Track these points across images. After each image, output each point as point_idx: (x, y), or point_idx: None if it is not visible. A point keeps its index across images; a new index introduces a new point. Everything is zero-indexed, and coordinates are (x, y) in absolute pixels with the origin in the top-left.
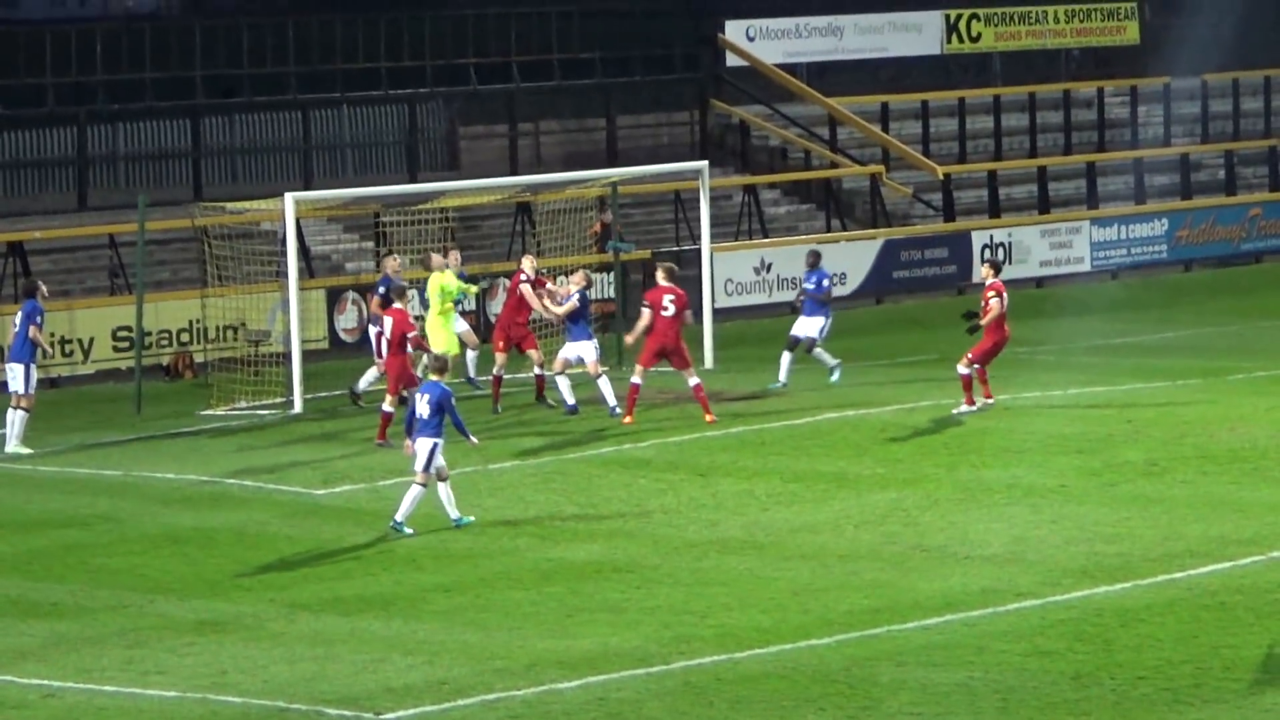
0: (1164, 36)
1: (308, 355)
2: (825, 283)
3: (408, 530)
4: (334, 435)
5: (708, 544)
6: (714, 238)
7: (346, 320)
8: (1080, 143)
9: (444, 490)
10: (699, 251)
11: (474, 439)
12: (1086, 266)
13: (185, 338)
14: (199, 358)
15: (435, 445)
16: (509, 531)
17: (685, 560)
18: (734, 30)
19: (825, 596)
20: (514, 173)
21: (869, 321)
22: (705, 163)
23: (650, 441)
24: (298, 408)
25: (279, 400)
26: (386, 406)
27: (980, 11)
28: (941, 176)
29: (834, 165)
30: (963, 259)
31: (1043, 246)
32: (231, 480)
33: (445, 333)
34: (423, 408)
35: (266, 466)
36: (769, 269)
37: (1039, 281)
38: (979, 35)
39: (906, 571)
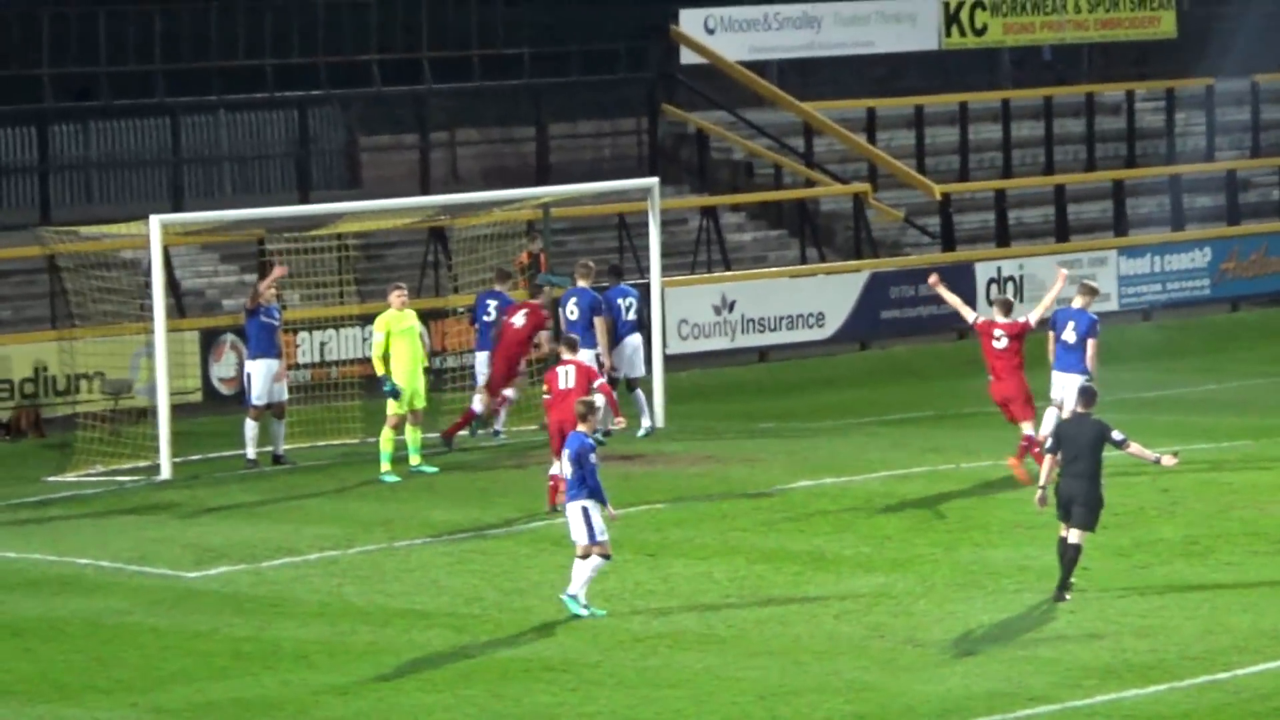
0: (1207, 29)
1: (177, 410)
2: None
3: (596, 611)
4: (208, 506)
5: (657, 638)
6: (666, 270)
7: (224, 368)
8: (1106, 156)
9: (583, 567)
10: (648, 286)
11: (612, 510)
12: (1113, 305)
13: (30, 389)
14: (46, 413)
15: (585, 510)
16: (419, 622)
17: (630, 657)
18: (690, 21)
19: (799, 701)
20: (425, 192)
21: (852, 370)
22: (655, 180)
23: None
24: (165, 473)
25: (143, 464)
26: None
27: None
28: (939, 197)
29: (810, 183)
30: (964, 295)
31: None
32: (85, 561)
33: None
34: (566, 465)
35: (127, 544)
36: (732, 308)
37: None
38: (984, 27)
39: (896, 671)
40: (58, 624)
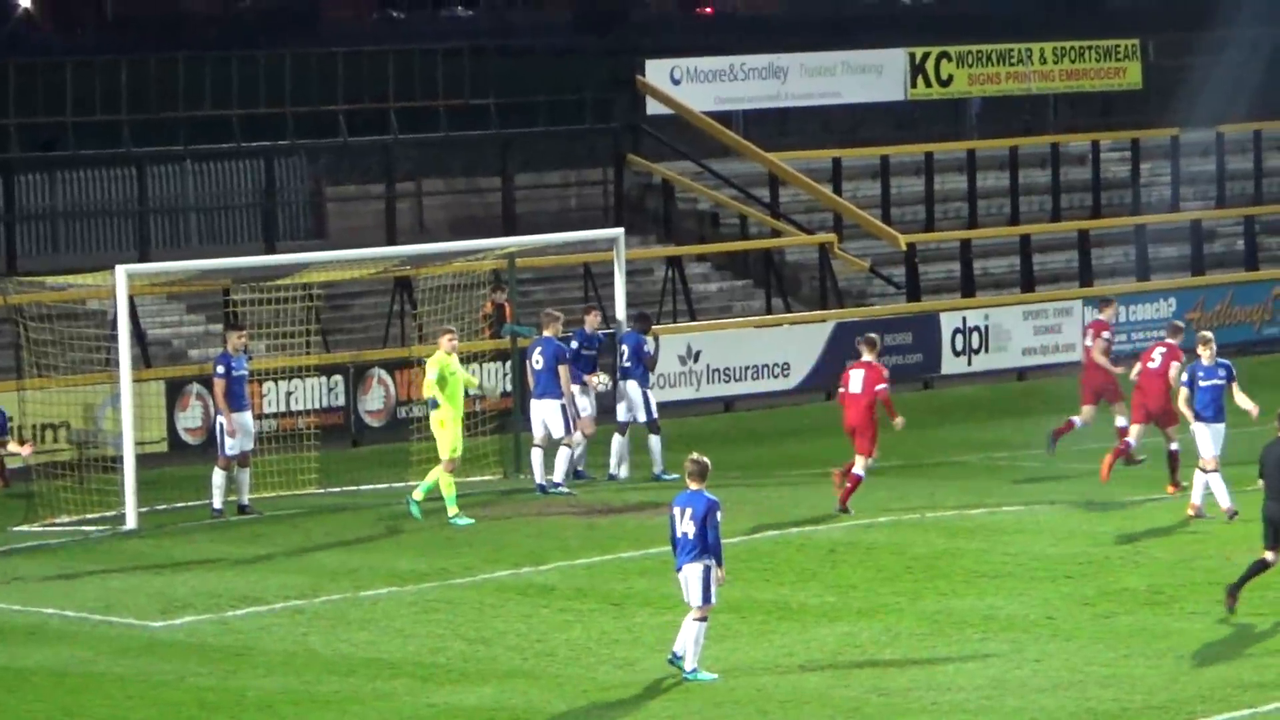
0: (1172, 80)
1: (143, 460)
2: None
3: (706, 675)
4: (174, 556)
5: (622, 687)
6: (630, 321)
7: (190, 418)
8: (1071, 207)
9: (692, 630)
10: (614, 335)
11: (722, 571)
12: (1078, 354)
13: None
14: (12, 464)
15: (708, 569)
16: (384, 672)
17: (595, 707)
18: (656, 72)
19: None
20: (391, 242)
21: (817, 420)
22: (621, 230)
23: (554, 564)
24: (131, 523)
25: (108, 514)
26: (859, 470)
27: (951, 50)
28: (904, 247)
29: (776, 234)
30: (930, 345)
31: (1026, 331)
32: (51, 610)
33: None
34: (685, 524)
35: (93, 594)
36: (697, 358)
37: (1021, 373)
38: (950, 78)
39: None
40: (23, 674)
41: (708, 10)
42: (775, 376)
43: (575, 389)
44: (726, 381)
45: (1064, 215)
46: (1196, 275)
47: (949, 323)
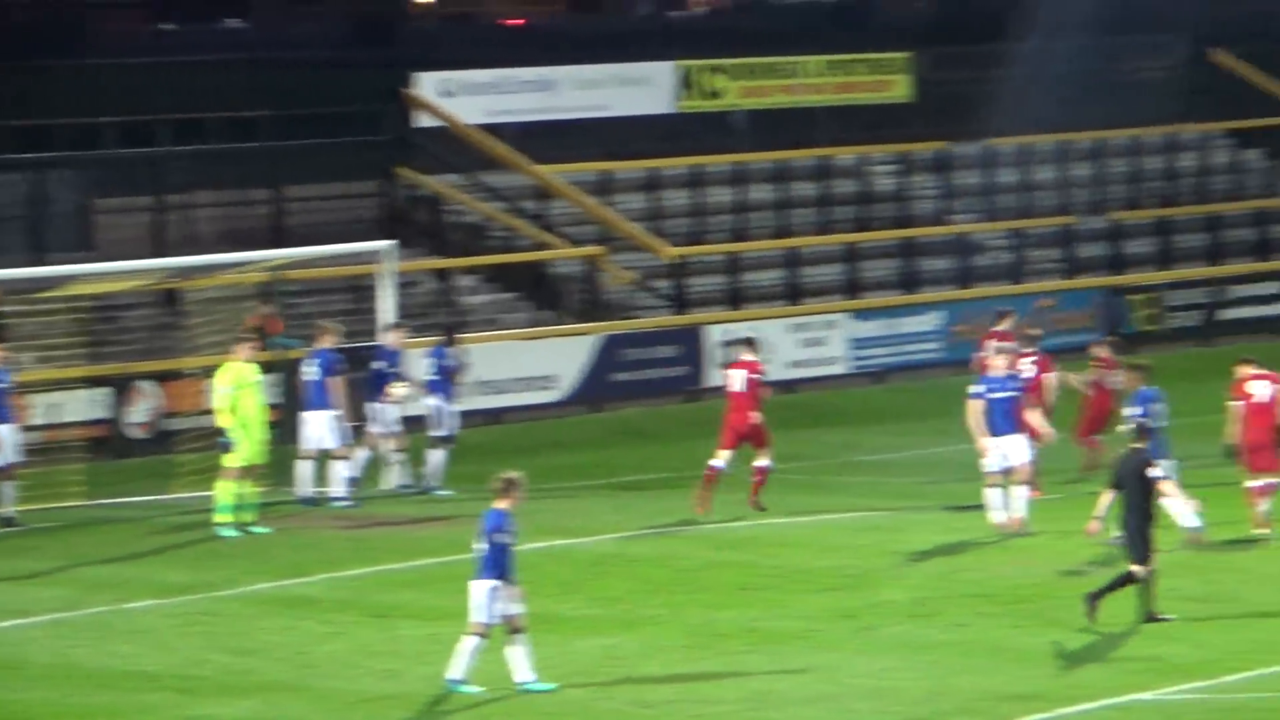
0: (941, 93)
1: None
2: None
3: (472, 689)
4: None
5: (385, 699)
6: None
7: None
8: (839, 219)
9: (517, 648)
10: (387, 349)
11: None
12: (842, 368)
13: None
14: None
15: (493, 589)
16: (146, 684)
17: (357, 719)
18: (426, 84)
19: None
20: (160, 254)
21: (584, 433)
22: (390, 242)
23: (318, 576)
24: None
25: None
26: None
27: (721, 62)
28: (672, 259)
29: (543, 246)
30: (695, 358)
31: (792, 343)
32: None
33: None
34: (480, 540)
35: None
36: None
37: (788, 385)
38: (719, 91)
39: None
40: None
41: (519, 20)
42: (542, 389)
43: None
44: (494, 394)
45: (832, 228)
46: (964, 288)
47: (715, 335)
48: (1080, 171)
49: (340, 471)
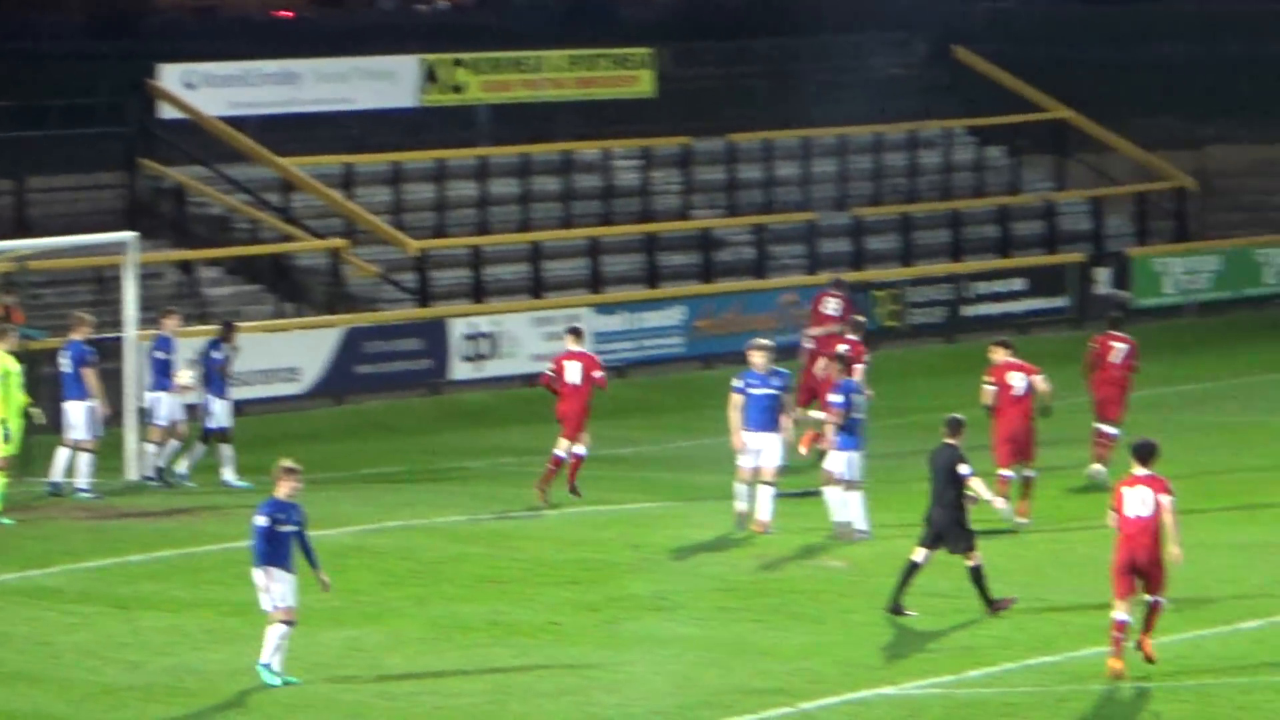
0: (684, 89)
1: None
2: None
3: (282, 680)
4: None
5: (128, 690)
6: (143, 323)
7: None
8: (582, 214)
9: (280, 633)
10: (120, 340)
11: (326, 577)
12: None
13: None
14: None
15: (276, 574)
16: None
17: (100, 710)
18: (169, 76)
19: None
20: None
21: (327, 425)
22: (132, 234)
23: (60, 567)
24: None
25: None
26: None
27: (464, 57)
28: (416, 253)
29: (287, 238)
30: (439, 351)
31: (535, 337)
32: None
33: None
34: (280, 527)
35: None
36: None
37: (530, 379)
38: (463, 85)
39: None
40: None
41: (286, 13)
42: (285, 381)
43: (164, 394)
44: (236, 386)
45: (575, 222)
46: (706, 283)
47: (458, 328)
48: (823, 168)
49: (86, 463)
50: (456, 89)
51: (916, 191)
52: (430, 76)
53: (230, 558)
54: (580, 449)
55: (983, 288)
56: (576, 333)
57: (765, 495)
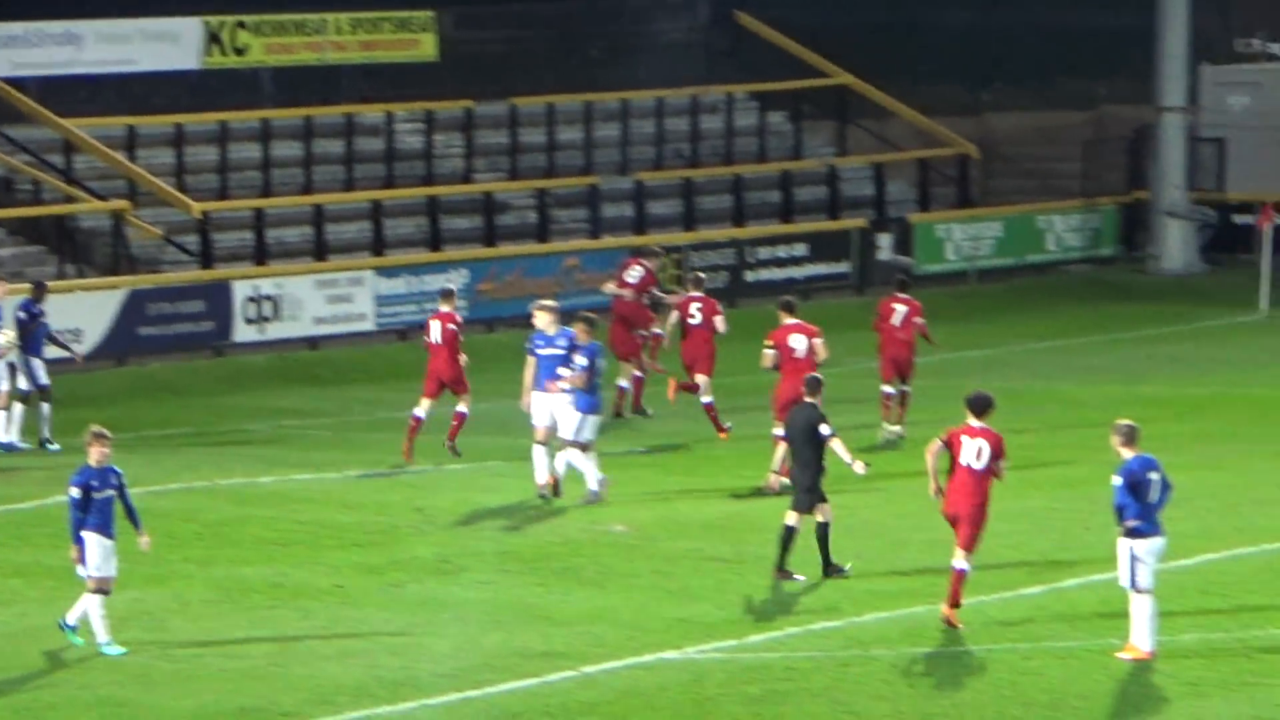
0: (467, 52)
1: None
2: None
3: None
4: None
5: None
6: None
7: None
8: (365, 177)
9: (94, 603)
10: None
11: (145, 537)
12: (370, 325)
13: None
14: None
15: (100, 543)
16: None
17: None
18: None
19: (52, 716)
20: None
21: (110, 387)
22: None
23: None
24: None
25: None
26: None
27: (247, 19)
28: (199, 215)
29: (69, 200)
30: (222, 313)
31: (318, 300)
32: None
33: None
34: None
35: None
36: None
37: (313, 342)
38: (246, 47)
39: (151, 686)
40: None
41: None
42: (69, 342)
43: None
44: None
45: (357, 185)
46: (489, 247)
47: (241, 291)
48: (605, 132)
49: None
50: (239, 51)
51: (699, 156)
52: (213, 38)
53: (14, 518)
54: (462, 407)
55: (765, 253)
56: (448, 295)
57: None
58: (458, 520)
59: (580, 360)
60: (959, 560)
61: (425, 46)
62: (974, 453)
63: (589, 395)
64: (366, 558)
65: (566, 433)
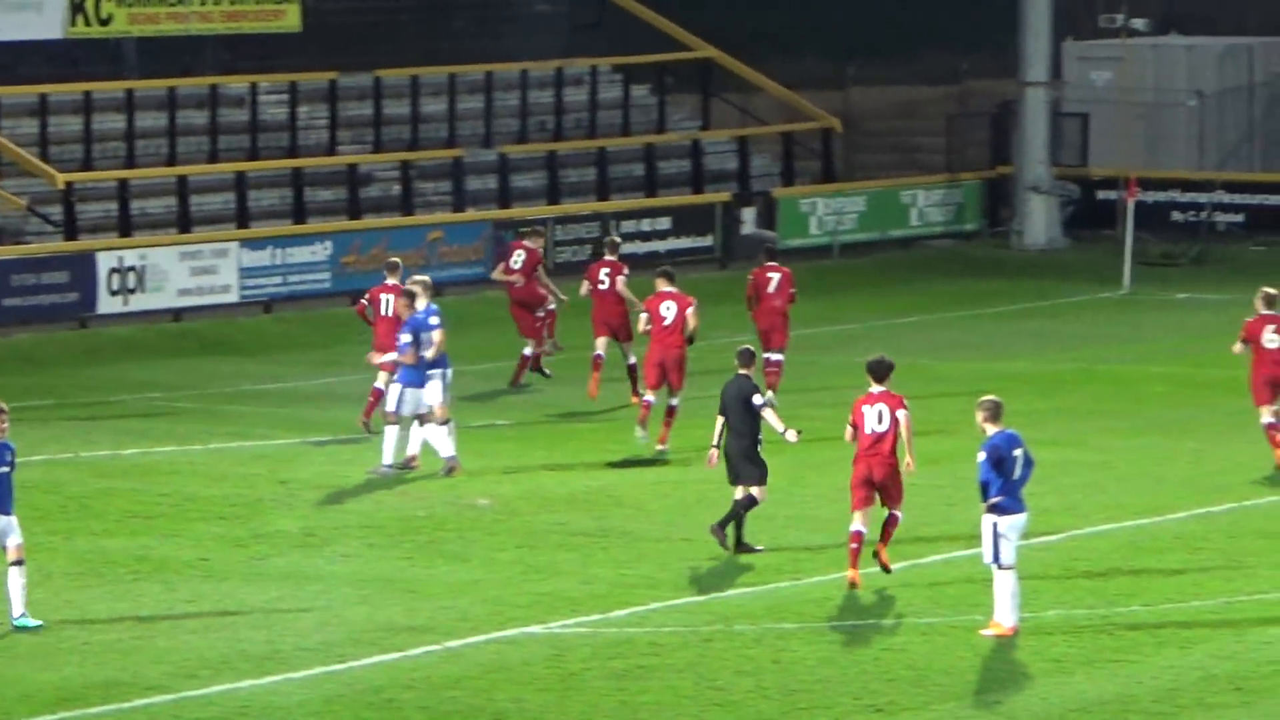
0: (330, 25)
1: None
2: None
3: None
4: None
5: None
6: None
7: None
8: (229, 148)
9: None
10: None
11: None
12: (234, 296)
13: None
14: None
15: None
16: None
17: None
18: None
19: None
20: None
21: None
22: None
23: None
24: None
25: None
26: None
27: None
28: (62, 186)
29: None
30: (86, 285)
31: (182, 272)
32: None
33: None
34: None
35: None
36: None
37: (178, 314)
38: (110, 17)
39: (12, 660)
40: None
41: None
42: None
43: None
44: None
45: (221, 157)
46: (353, 219)
47: (105, 262)
48: (470, 104)
49: None
50: (103, 21)
51: (563, 129)
52: (77, 8)
53: None
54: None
55: (629, 226)
56: (393, 267)
57: (437, 435)
58: (322, 493)
59: (404, 338)
60: (894, 510)
61: (289, 18)
62: (875, 417)
63: (411, 369)
64: (230, 530)
65: (433, 401)
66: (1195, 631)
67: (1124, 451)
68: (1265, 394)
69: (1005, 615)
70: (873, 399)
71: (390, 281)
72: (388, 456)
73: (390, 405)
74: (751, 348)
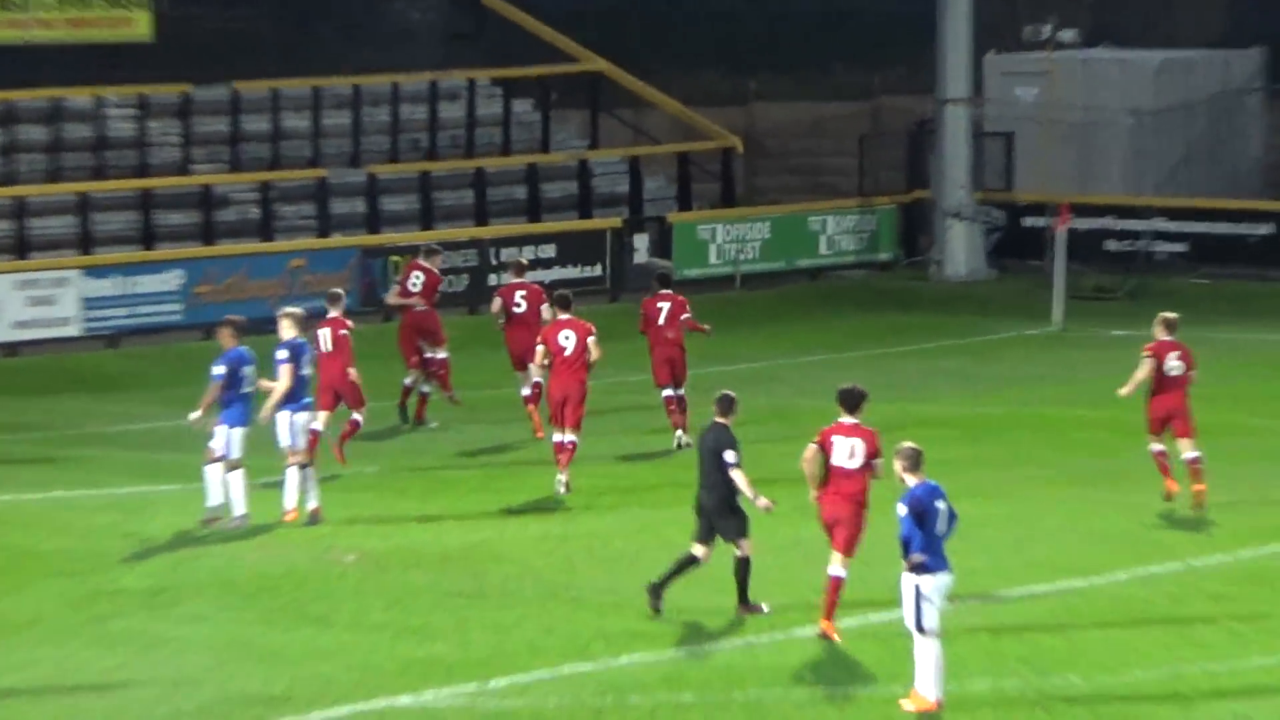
0: (185, 34)
1: None
2: None
3: None
4: None
5: None
6: None
7: None
8: (72, 167)
9: None
10: None
11: None
12: (75, 330)
13: None
14: None
15: None
16: None
17: None
18: None
19: None
20: None
21: None
22: None
23: None
24: None
25: None
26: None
27: None
28: None
29: None
30: None
31: (18, 301)
32: None
33: None
34: None
35: None
36: None
37: (13, 348)
38: None
39: None
40: None
41: None
42: None
43: None
44: None
45: (64, 176)
46: (208, 245)
47: None
48: (335, 120)
49: None
50: None
51: (437, 148)
52: None
53: None
54: (357, 415)
55: (510, 254)
56: (335, 298)
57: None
58: (171, 547)
59: (218, 369)
60: (835, 566)
61: (139, 25)
62: (847, 452)
63: (231, 408)
64: (70, 588)
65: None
66: (1138, 706)
67: (1055, 504)
68: (1161, 425)
69: (928, 687)
70: (845, 431)
71: (332, 314)
72: (238, 506)
73: (219, 446)
74: (731, 394)
